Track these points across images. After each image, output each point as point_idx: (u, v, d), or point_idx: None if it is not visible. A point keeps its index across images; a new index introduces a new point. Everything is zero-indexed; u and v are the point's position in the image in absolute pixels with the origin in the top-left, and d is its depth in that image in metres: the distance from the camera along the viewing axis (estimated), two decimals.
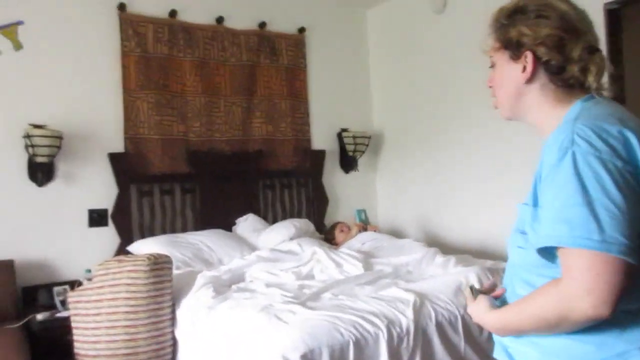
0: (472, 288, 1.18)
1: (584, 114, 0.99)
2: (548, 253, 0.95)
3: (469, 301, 1.16)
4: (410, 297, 2.22)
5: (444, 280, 2.49)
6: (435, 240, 3.88)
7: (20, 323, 2.71)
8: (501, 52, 1.11)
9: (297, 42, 4.18)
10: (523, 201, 1.05)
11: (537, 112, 1.10)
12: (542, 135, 1.10)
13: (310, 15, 4.26)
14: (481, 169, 3.57)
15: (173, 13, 3.63)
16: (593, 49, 1.05)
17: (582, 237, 0.87)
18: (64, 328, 2.63)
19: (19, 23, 3.16)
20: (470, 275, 2.46)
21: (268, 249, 3.27)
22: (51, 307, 2.92)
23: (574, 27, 1.05)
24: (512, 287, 1.10)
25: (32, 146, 3.00)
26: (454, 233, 3.82)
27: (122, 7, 3.46)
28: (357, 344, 1.95)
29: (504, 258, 2.94)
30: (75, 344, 2.51)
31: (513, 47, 1.08)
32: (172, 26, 3.63)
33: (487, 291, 1.17)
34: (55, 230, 3.22)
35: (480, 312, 1.10)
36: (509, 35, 1.08)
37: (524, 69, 1.07)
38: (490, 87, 1.18)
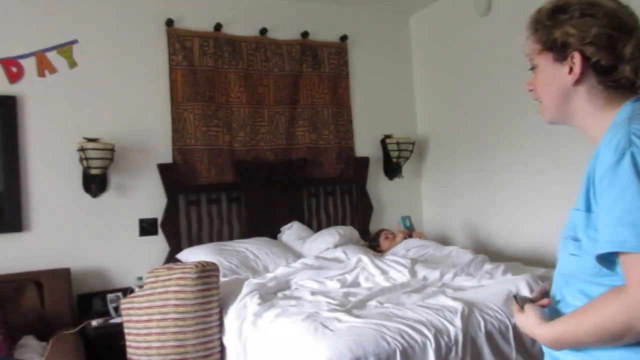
0: (516, 297, 1.13)
1: (637, 115, 0.95)
2: (607, 260, 0.90)
3: (516, 311, 1.11)
4: (458, 306, 2.17)
5: (493, 288, 2.42)
6: (483, 247, 3.78)
7: (77, 329, 2.82)
8: (544, 54, 1.07)
9: (339, 50, 4.19)
10: (573, 206, 1.01)
11: (584, 115, 1.06)
12: (590, 139, 1.05)
13: (352, 23, 4.27)
14: (530, 173, 3.46)
15: (218, 26, 3.72)
16: None
17: None
18: (117, 334, 2.72)
19: (74, 42, 3.32)
20: (520, 283, 2.38)
21: (313, 256, 3.28)
22: (105, 313, 3.03)
23: (624, 24, 1.00)
24: (562, 296, 1.06)
25: (86, 159, 3.13)
26: (502, 240, 3.72)
27: (169, 23, 3.57)
28: (404, 353, 1.91)
29: (556, 265, 2.84)
30: (128, 350, 2.58)
31: (558, 49, 1.04)
32: (217, 39, 3.72)
33: (533, 300, 1.12)
34: (109, 239, 3.34)
35: (530, 323, 1.05)
36: (552, 36, 1.04)
37: (571, 70, 1.03)
38: (531, 90, 1.14)
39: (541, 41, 1.07)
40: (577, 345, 0.97)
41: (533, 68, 1.12)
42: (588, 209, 0.95)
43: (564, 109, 1.08)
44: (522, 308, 1.10)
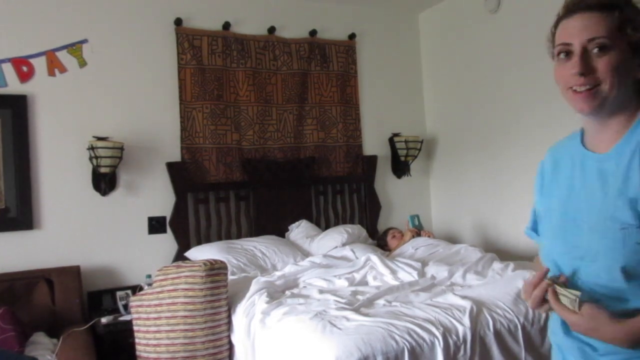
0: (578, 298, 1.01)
1: None
2: None
3: (569, 313, 1.02)
4: (467, 304, 2.17)
5: (502, 287, 2.41)
6: (492, 245, 3.76)
7: (87, 326, 2.84)
8: (622, 38, 0.97)
9: (347, 48, 4.19)
10: (626, 193, 0.97)
11: (626, 111, 1.01)
12: (612, 132, 1.02)
13: (361, 21, 4.25)
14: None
15: (227, 25, 3.72)
16: None
17: None
18: (126, 331, 2.74)
19: (84, 42, 3.34)
20: (526, 276, 2.38)
21: (321, 255, 3.28)
22: (115, 311, 3.05)
23: None
24: (618, 293, 0.98)
25: (96, 157, 3.15)
26: (512, 238, 3.69)
27: (178, 22, 3.58)
28: (412, 352, 1.91)
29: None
30: (137, 347, 2.60)
31: None
32: (225, 38, 3.73)
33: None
34: (118, 237, 3.36)
35: (599, 323, 0.96)
36: None
37: None
38: (582, 74, 0.99)
39: (626, 26, 0.97)
40: None
41: (604, 48, 0.98)
42: None
43: (620, 99, 1.00)
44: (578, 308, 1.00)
